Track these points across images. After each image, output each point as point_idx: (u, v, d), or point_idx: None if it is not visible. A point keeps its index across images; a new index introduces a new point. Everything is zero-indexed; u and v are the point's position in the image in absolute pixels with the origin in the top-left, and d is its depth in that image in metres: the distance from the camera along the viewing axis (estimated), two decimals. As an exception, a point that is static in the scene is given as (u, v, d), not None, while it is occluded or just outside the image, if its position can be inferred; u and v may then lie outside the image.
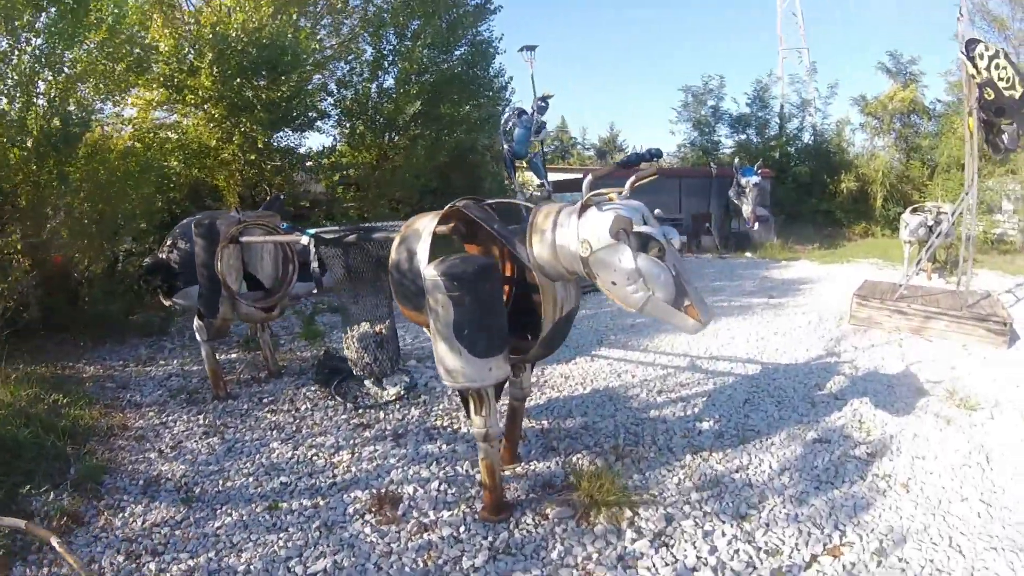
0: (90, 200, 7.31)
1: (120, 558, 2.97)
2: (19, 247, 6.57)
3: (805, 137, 19.26)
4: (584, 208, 2.73)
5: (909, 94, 16.86)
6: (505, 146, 9.35)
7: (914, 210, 9.14)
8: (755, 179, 13.53)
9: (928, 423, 4.05)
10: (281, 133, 10.81)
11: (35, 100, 6.86)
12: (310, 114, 11.03)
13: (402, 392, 5.06)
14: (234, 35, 8.95)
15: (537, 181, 17.56)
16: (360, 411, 4.68)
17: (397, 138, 12.04)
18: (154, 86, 9.24)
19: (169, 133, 10.13)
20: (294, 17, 10.10)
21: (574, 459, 3.74)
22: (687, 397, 4.63)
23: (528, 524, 3.11)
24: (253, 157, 10.44)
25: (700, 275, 10.45)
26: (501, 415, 4.10)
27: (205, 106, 9.53)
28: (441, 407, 4.73)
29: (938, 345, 5.81)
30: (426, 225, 3.19)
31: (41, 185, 6.90)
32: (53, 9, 7.19)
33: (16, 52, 6.87)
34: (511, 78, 13.60)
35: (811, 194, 17.35)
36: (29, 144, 6.56)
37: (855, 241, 15.80)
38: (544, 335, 3.11)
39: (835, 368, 5.17)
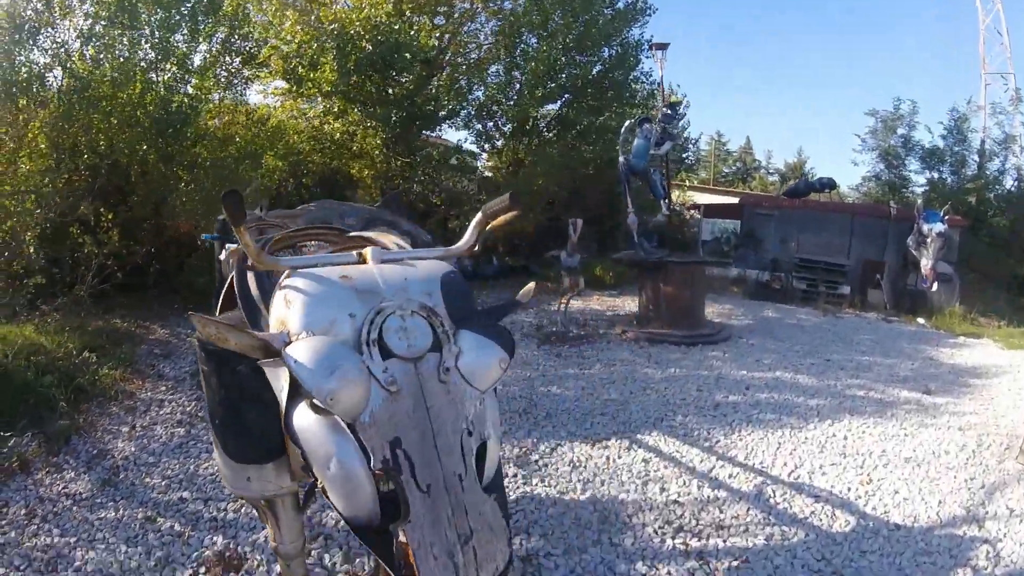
0: (196, 180, 7.49)
1: (22, 512, 3.10)
2: (110, 216, 6.73)
3: (1007, 181, 15.18)
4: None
5: None
6: (621, 158, 7.96)
7: None
8: (940, 227, 10.54)
9: None
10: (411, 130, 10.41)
11: (154, 87, 7.07)
12: (439, 113, 10.51)
13: None
14: (353, 32, 8.64)
15: (689, 203, 15.56)
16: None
17: (531, 143, 11.08)
18: (275, 77, 9.26)
19: (298, 122, 10.21)
20: (407, 14, 9.55)
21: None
22: (712, 552, 3.04)
23: None
24: (377, 152, 10.16)
25: (848, 342, 8.17)
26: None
27: (331, 99, 9.37)
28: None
29: None
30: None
31: (150, 164, 7.15)
32: (188, 4, 7.44)
33: (140, 41, 7.15)
34: (655, 84, 11.84)
35: (1009, 253, 13.46)
36: (142, 126, 6.78)
37: (1054, 320, 11.90)
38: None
39: (965, 551, 3.20)
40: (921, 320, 10.46)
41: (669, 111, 7.76)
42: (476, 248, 1.73)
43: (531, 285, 1.79)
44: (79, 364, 4.74)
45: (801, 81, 64.94)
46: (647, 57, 11.24)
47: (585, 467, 3.92)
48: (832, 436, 4.68)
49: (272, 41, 9.70)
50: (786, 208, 13.21)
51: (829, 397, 5.63)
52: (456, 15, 11.41)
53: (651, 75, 11.74)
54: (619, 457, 4.08)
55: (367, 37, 8.75)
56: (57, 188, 6.53)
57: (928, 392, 6.10)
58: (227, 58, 8.13)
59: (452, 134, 12.00)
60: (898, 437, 4.79)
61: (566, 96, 10.62)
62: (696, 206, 14.64)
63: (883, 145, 16.05)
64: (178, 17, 7.28)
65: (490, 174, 11.90)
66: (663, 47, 8.37)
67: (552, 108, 10.92)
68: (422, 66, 11.71)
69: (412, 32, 8.98)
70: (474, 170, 11.08)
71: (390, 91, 9.31)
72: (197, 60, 7.69)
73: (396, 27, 8.82)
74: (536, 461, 3.99)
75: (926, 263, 10.74)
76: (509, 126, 10.54)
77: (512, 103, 10.28)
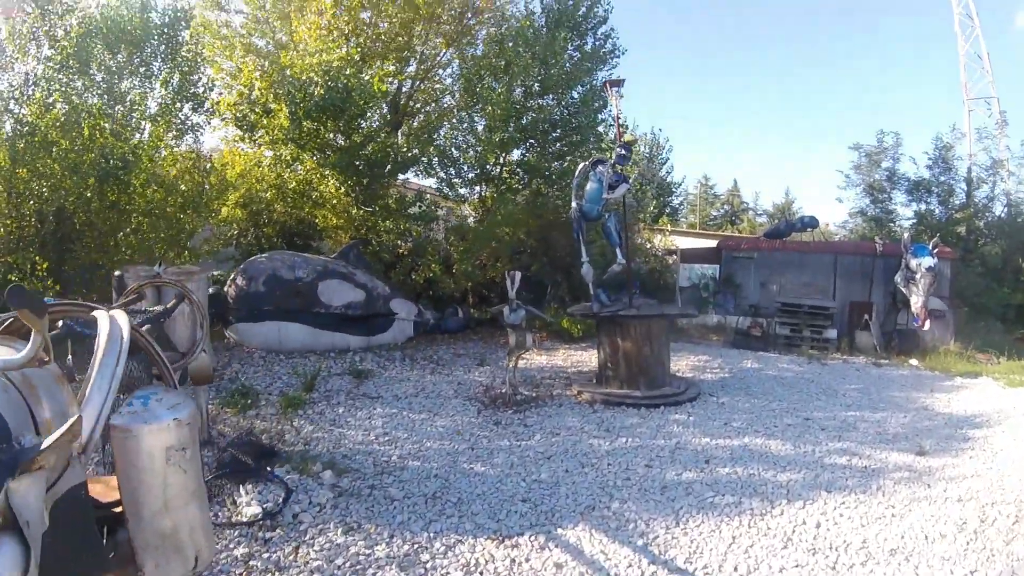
0: (140, 229, 7.12)
1: None
2: (45, 265, 6.24)
3: (996, 208, 14.46)
4: None
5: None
6: (574, 203, 7.25)
7: None
8: (929, 261, 9.70)
9: None
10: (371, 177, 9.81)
11: (101, 134, 6.73)
12: (399, 160, 9.92)
13: (259, 515, 3.65)
14: (306, 77, 8.17)
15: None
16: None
17: (498, 189, 10.46)
18: (228, 124, 8.78)
19: (261, 170, 9.71)
20: (359, 59, 9.11)
21: None
22: None
23: None
24: (336, 201, 9.56)
25: (832, 393, 7.22)
26: None
27: (285, 147, 8.85)
28: (311, 548, 3.00)
29: None
30: None
31: (93, 211, 6.82)
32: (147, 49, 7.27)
33: (89, 90, 6.91)
34: (623, 122, 11.22)
35: (1001, 282, 12.57)
36: (85, 173, 6.45)
37: (1054, 349, 10.90)
38: None
39: None
40: (914, 362, 9.53)
41: (624, 151, 7.07)
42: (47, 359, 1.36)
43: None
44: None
45: (787, 121, 64.74)
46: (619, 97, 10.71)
47: (482, 573, 3.05)
48: (802, 523, 3.77)
49: (237, 87, 9.26)
50: (766, 250, 12.47)
51: (804, 468, 4.72)
52: (423, 61, 11.02)
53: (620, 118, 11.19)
54: (527, 560, 3.21)
55: (319, 82, 8.26)
56: (10, 231, 6.32)
57: (922, 452, 5.18)
58: (179, 104, 7.78)
59: (421, 183, 11.36)
60: (883, 519, 3.89)
61: (529, 141, 10.05)
62: (674, 251, 13.96)
63: (868, 180, 15.44)
64: (135, 62, 6.98)
65: (470, 221, 11.26)
66: (618, 84, 7.77)
67: (518, 154, 10.35)
68: (392, 114, 11.32)
69: (366, 77, 8.47)
70: (435, 218, 10.41)
71: (344, 138, 8.76)
72: (153, 107, 7.38)
73: (347, 72, 8.32)
74: (425, 563, 3.14)
75: (916, 300, 9.88)
76: (471, 173, 9.95)
77: (472, 148, 9.70)
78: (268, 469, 4.33)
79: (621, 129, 7.90)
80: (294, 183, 9.31)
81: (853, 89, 66.64)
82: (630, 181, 7.26)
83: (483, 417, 5.76)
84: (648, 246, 13.89)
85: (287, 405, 5.73)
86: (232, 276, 8.42)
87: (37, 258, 6.42)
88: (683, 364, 8.37)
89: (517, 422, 5.65)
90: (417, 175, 10.79)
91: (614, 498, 4.00)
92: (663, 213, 20.30)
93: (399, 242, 10.66)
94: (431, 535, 3.45)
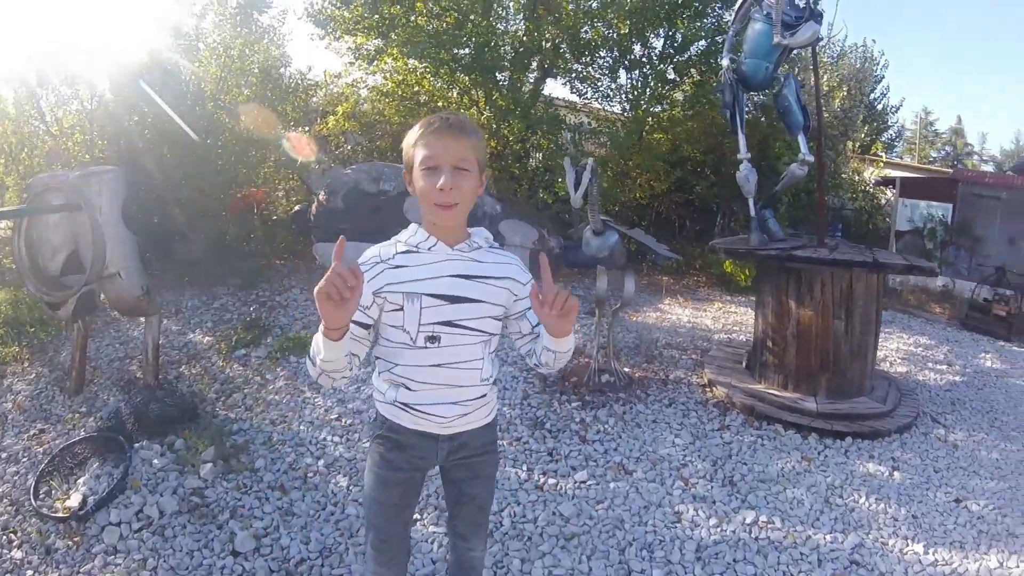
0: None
1: None
2: None
3: None
4: None
5: None
6: (725, 62, 4.12)
7: None
8: None
9: None
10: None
11: None
12: (518, 50, 7.46)
13: (83, 506, 2.38)
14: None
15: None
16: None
17: (656, 84, 7.54)
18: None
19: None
20: None
21: None
22: None
23: None
24: (441, 102, 7.65)
25: None
26: None
27: (367, 37, 7.11)
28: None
29: None
30: None
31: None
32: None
33: None
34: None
35: None
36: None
37: None
38: None
39: None
40: None
41: (803, -30, 3.74)
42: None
43: None
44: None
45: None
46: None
47: None
48: None
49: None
50: (1021, 189, 8.05)
51: None
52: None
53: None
54: None
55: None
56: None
57: None
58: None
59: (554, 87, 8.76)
60: None
61: (682, 12, 6.77)
62: (889, 181, 9.78)
63: None
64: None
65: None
66: None
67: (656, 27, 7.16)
68: (530, 4, 8.86)
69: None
70: (561, 122, 7.85)
71: (434, 24, 6.76)
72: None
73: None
74: None
75: None
76: (609, 59, 7.16)
77: (607, 25, 6.84)
78: (132, 445, 2.76)
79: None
80: (391, 84, 7.62)
81: None
82: (820, 18, 3.83)
83: (524, 408, 3.46)
84: (856, 178, 9.80)
85: (279, 348, 4.15)
86: (318, 191, 7.26)
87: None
88: (890, 348, 5.05)
89: (572, 428, 3.22)
90: (554, 74, 8.23)
91: None
92: (876, 141, 14.90)
93: (530, 154, 8.45)
94: None
